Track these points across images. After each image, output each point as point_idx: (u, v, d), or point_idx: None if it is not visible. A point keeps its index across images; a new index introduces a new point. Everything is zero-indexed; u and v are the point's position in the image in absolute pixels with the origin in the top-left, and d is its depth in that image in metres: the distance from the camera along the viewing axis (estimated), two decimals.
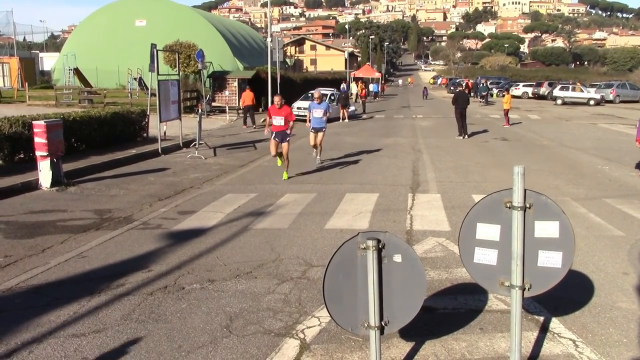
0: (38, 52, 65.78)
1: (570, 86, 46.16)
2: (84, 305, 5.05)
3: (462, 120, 20.43)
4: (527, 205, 3.40)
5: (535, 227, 3.44)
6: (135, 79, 37.43)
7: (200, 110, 18.27)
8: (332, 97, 29.16)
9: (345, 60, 72.35)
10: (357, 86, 41.89)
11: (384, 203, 9.40)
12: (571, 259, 3.47)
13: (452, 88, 62.44)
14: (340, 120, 28.33)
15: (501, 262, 3.52)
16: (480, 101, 42.97)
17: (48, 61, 56.69)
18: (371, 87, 52.76)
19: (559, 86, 46.82)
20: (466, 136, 20.25)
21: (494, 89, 53.71)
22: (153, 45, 15.85)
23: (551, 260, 3.44)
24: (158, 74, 15.39)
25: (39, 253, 6.58)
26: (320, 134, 13.13)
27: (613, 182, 11.68)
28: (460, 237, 3.62)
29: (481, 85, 48.64)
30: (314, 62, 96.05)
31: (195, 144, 15.31)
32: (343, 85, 42.56)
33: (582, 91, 44.44)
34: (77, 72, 38.44)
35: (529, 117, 30.69)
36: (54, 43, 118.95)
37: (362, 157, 15.06)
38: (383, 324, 3.48)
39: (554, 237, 3.42)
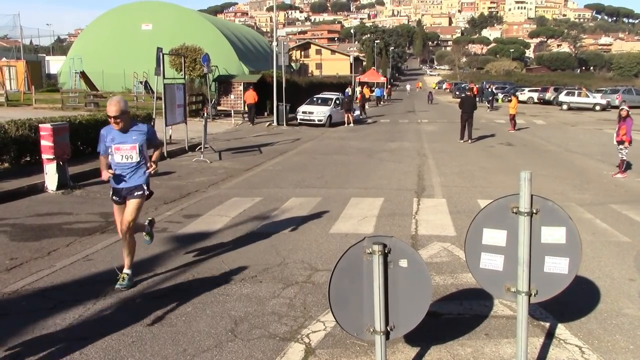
0: (44, 55, 66.12)
1: (576, 91, 46.09)
2: (90, 308, 5.06)
3: (468, 124, 20.57)
4: (534, 211, 3.40)
5: (541, 232, 3.42)
6: (141, 82, 37.57)
7: (205, 114, 18.31)
8: (337, 102, 29.18)
9: (351, 64, 72.30)
10: (361, 90, 41.97)
11: (389, 207, 9.39)
12: (578, 265, 3.45)
13: (457, 93, 62.43)
14: (345, 125, 28.35)
15: (507, 267, 3.51)
16: (487, 106, 42.92)
17: (54, 64, 57.02)
18: (376, 91, 52.82)
19: (565, 91, 46.77)
20: (470, 141, 20.32)
21: (499, 94, 53.67)
22: (159, 49, 15.91)
23: (558, 266, 3.43)
24: (164, 78, 15.44)
25: (44, 256, 6.60)
26: (131, 204, 5.60)
27: (619, 187, 11.64)
28: (467, 243, 3.61)
29: (487, 90, 48.59)
30: (319, 66, 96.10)
31: (200, 148, 15.34)
32: (348, 90, 42.62)
33: (587, 96, 44.36)
34: (83, 75, 38.64)
35: (534, 122, 30.63)
36: (60, 46, 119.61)
37: (367, 162, 15.06)
38: (389, 329, 3.48)
39: (560, 243, 3.41)
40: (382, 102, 53.76)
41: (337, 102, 29.15)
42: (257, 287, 5.65)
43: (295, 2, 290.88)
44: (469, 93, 24.08)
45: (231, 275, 5.97)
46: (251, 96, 27.52)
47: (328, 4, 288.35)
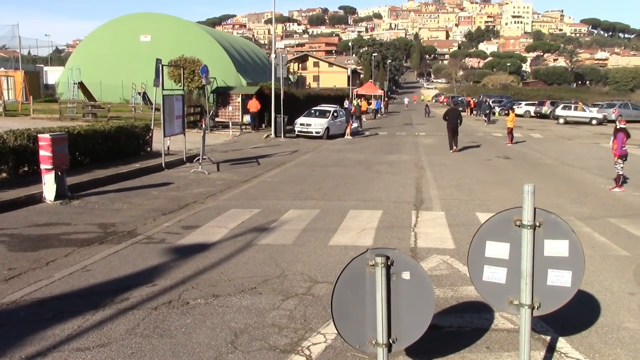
0: (43, 66, 66.24)
1: (573, 105, 46.33)
2: (89, 319, 5.03)
3: (453, 135, 21.91)
4: (537, 224, 3.40)
5: (544, 245, 3.43)
6: (139, 93, 37.63)
7: (203, 126, 18.31)
8: (335, 114, 29.17)
9: (348, 77, 72.64)
10: (359, 103, 42.13)
11: (387, 220, 9.38)
12: (581, 278, 3.45)
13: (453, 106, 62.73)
14: (345, 137, 28.41)
15: (510, 280, 3.51)
16: (484, 120, 43.09)
17: (52, 75, 57.08)
18: (373, 103, 53.04)
19: (562, 105, 46.99)
20: (456, 149, 21.70)
21: (496, 108, 53.89)
22: (158, 61, 15.95)
23: (561, 279, 3.43)
24: (163, 89, 15.45)
25: (43, 266, 6.56)
26: None
27: (617, 201, 11.66)
28: (470, 255, 3.61)
29: (484, 103, 48.80)
30: (316, 78, 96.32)
31: (198, 159, 15.33)
32: (346, 102, 42.75)
33: (584, 111, 44.59)
34: (81, 86, 38.63)
35: (531, 136, 30.75)
36: (58, 57, 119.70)
37: (365, 174, 15.06)
38: (391, 342, 3.46)
39: (563, 256, 3.42)
40: (379, 115, 53.94)
41: (335, 114, 29.16)
42: (256, 298, 5.62)
43: (293, 14, 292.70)
44: (454, 106, 25.95)
45: (230, 287, 5.94)
46: (254, 105, 28.73)
47: (326, 17, 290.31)
